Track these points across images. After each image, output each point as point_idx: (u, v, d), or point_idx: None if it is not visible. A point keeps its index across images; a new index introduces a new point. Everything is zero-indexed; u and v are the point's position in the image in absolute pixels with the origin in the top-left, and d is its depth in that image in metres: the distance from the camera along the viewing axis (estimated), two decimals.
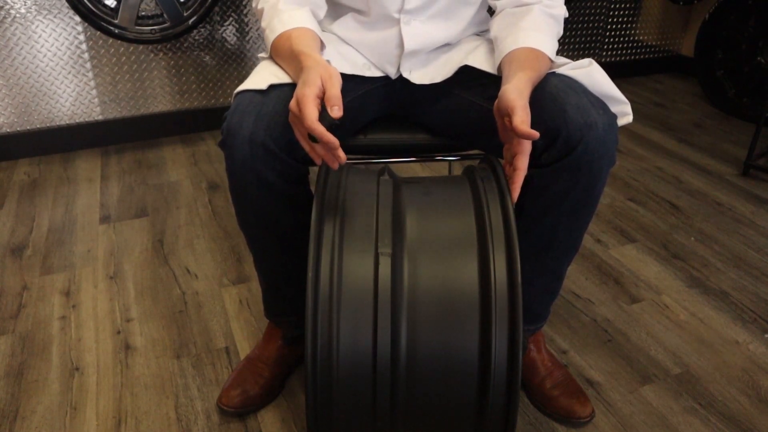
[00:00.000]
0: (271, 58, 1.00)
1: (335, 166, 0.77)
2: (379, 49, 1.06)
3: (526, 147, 0.81)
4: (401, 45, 1.04)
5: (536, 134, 0.75)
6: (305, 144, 0.79)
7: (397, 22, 1.03)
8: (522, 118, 0.76)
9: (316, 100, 0.77)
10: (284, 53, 0.93)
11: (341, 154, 0.76)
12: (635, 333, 1.32)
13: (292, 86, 0.94)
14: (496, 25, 1.00)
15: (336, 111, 0.76)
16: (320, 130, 0.74)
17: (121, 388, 1.17)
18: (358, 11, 1.05)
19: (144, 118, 2.25)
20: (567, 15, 1.01)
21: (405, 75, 1.06)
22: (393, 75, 1.08)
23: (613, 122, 0.89)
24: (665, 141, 2.32)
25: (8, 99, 2.04)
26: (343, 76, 1.03)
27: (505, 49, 0.93)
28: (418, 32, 1.04)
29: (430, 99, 1.08)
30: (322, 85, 0.78)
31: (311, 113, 0.75)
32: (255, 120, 0.88)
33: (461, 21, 1.07)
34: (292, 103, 0.79)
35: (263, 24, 0.99)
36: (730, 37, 2.52)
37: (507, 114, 0.78)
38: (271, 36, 0.96)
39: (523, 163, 0.81)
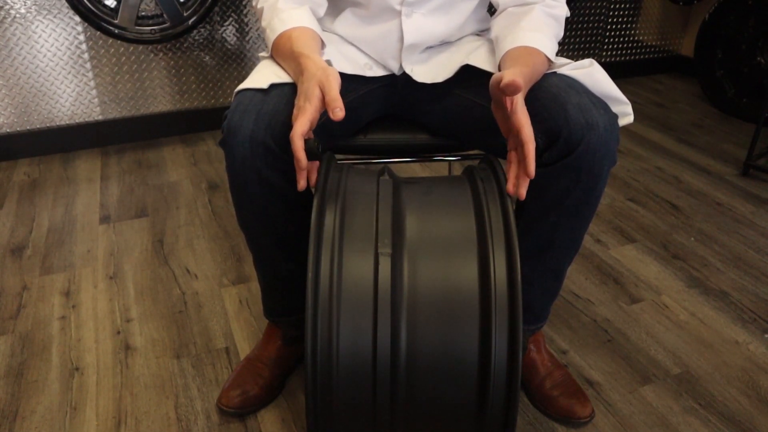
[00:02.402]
0: (272, 57, 1.00)
1: (300, 185, 0.80)
2: (379, 44, 1.06)
3: (525, 117, 0.78)
4: (402, 39, 1.04)
5: (520, 84, 0.73)
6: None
7: (398, 14, 1.03)
8: (510, 73, 0.75)
9: (315, 115, 0.80)
10: (284, 53, 0.94)
11: (302, 179, 0.80)
12: (635, 333, 1.32)
13: (293, 85, 0.94)
14: (497, 25, 1.00)
15: (338, 112, 0.78)
16: (297, 144, 0.77)
17: (120, 388, 1.17)
18: (358, 4, 1.05)
19: (144, 118, 2.25)
20: (569, 14, 1.01)
21: (407, 71, 1.06)
22: (396, 70, 1.08)
23: (614, 122, 0.89)
24: (665, 141, 2.32)
25: (8, 99, 2.04)
26: (345, 76, 1.03)
27: (504, 48, 0.93)
28: (419, 25, 1.03)
29: (430, 99, 1.08)
30: (321, 94, 0.80)
31: (298, 127, 0.78)
32: (255, 119, 0.88)
33: (461, 15, 1.07)
34: (294, 113, 0.82)
35: (263, 24, 0.99)
36: (729, 38, 2.52)
37: (498, 86, 0.76)
38: (271, 36, 0.96)
39: (528, 135, 0.78)
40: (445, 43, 1.10)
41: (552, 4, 0.98)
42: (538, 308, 1.09)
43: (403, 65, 1.06)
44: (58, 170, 2.05)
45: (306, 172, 0.80)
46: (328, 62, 0.89)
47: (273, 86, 0.93)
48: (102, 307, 1.39)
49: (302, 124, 0.78)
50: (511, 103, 0.78)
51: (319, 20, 1.02)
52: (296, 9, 0.97)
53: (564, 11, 0.99)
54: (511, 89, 0.74)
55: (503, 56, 0.92)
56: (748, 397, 1.16)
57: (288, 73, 0.95)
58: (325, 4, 1.04)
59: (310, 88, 0.80)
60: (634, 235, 1.69)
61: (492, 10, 1.07)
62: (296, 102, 0.83)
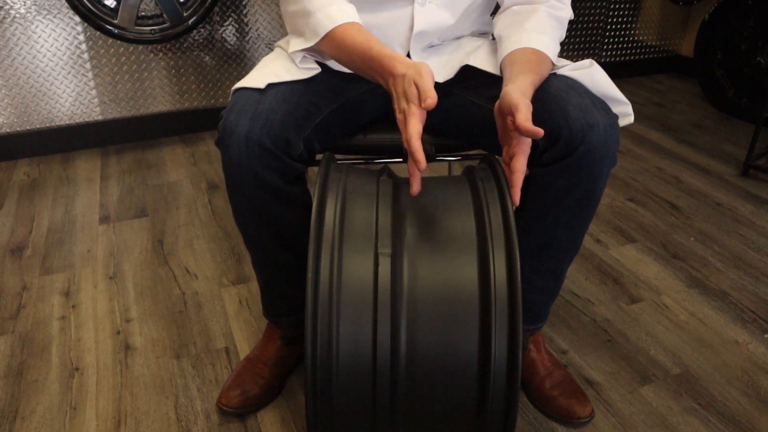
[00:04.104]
0: (314, 46, 0.96)
1: (414, 189, 0.78)
2: (388, 31, 1.04)
3: (526, 148, 0.80)
4: (412, 27, 1.03)
5: (541, 132, 0.74)
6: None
7: (411, 1, 1.01)
8: (526, 116, 0.75)
9: (423, 114, 0.78)
10: (354, 47, 0.89)
11: (417, 183, 0.78)
12: (635, 333, 1.32)
13: (290, 84, 0.94)
14: (500, 24, 0.99)
15: (428, 101, 0.76)
16: (416, 146, 0.75)
17: (120, 388, 1.17)
18: None
19: (144, 119, 2.25)
20: (572, 17, 1.00)
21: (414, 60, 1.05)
22: None
23: (614, 123, 0.89)
24: (665, 141, 2.32)
25: (8, 99, 2.04)
26: (344, 74, 1.03)
27: (508, 48, 0.93)
28: (431, 15, 1.02)
29: None
30: (418, 91, 0.79)
31: (413, 128, 0.76)
32: (251, 118, 0.88)
33: (472, 7, 1.05)
34: (399, 117, 0.80)
35: (312, 7, 0.93)
36: (729, 38, 2.52)
37: (509, 113, 0.78)
38: (328, 23, 0.92)
39: (521, 165, 0.80)
40: (446, 42, 1.10)
41: (557, 5, 0.97)
42: (537, 308, 1.09)
43: (411, 54, 1.05)
44: (58, 170, 2.05)
45: (421, 174, 0.78)
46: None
47: (269, 86, 0.93)
48: (102, 307, 1.39)
49: (415, 125, 0.77)
50: (513, 130, 0.79)
51: None
52: (348, 5, 0.94)
53: (568, 13, 0.99)
54: (530, 135, 0.75)
55: (508, 57, 0.92)
56: (748, 397, 1.16)
57: (288, 73, 0.94)
58: None
59: (408, 90, 0.79)
60: (634, 235, 1.69)
61: (494, 11, 1.06)
62: (396, 105, 0.81)
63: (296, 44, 0.99)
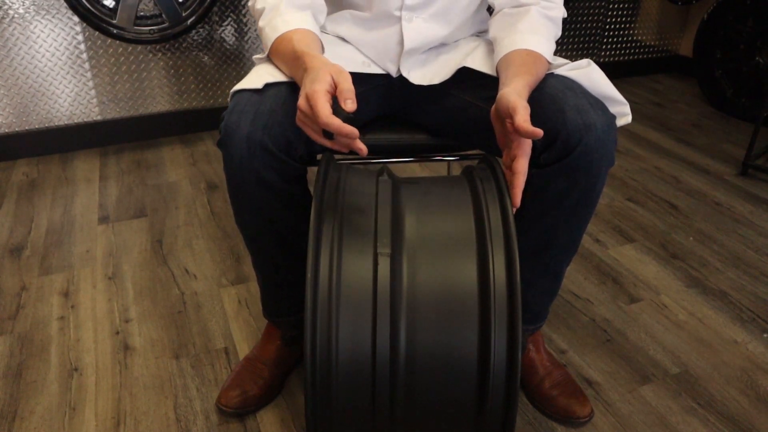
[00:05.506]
0: (269, 58, 0.99)
1: (364, 151, 0.75)
2: (379, 47, 1.06)
3: (526, 149, 0.80)
4: (402, 42, 1.03)
5: (540, 132, 0.73)
6: (322, 140, 0.77)
7: (398, 19, 1.02)
8: (524, 117, 0.75)
9: (327, 95, 0.75)
10: (285, 54, 0.92)
11: (361, 145, 0.74)
12: (634, 333, 1.32)
13: (289, 84, 0.94)
14: (494, 26, 1.00)
15: (350, 104, 0.74)
16: (336, 123, 0.72)
17: (120, 388, 1.17)
18: (359, 7, 1.05)
19: (143, 119, 2.25)
20: (566, 15, 1.00)
21: (404, 74, 1.06)
22: (394, 73, 1.08)
23: (612, 123, 0.89)
24: (664, 141, 2.32)
25: (7, 99, 2.04)
26: None
27: (502, 51, 0.93)
28: (420, 30, 1.03)
29: (428, 99, 1.08)
30: (333, 81, 0.76)
31: (324, 108, 0.73)
32: (253, 119, 0.88)
33: (461, 18, 1.06)
34: (301, 101, 0.77)
35: (261, 23, 0.98)
36: (728, 37, 2.52)
37: (508, 115, 0.78)
38: (272, 35, 0.95)
39: (523, 166, 0.79)
40: (442, 45, 1.10)
41: (549, 5, 0.97)
42: (536, 308, 1.09)
43: (401, 68, 1.06)
44: (57, 170, 2.05)
45: (357, 138, 0.74)
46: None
47: (269, 86, 0.93)
48: (101, 307, 1.39)
49: (323, 106, 0.73)
50: (513, 132, 0.79)
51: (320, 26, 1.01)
52: (299, 12, 0.96)
53: (560, 12, 0.99)
54: (530, 136, 0.75)
55: (504, 59, 0.92)
56: (747, 396, 1.16)
57: (284, 74, 0.95)
58: (326, 11, 1.04)
59: (319, 75, 0.76)
60: (633, 234, 1.69)
61: (491, 10, 1.07)
62: (302, 91, 0.78)
63: (257, 59, 1.02)
